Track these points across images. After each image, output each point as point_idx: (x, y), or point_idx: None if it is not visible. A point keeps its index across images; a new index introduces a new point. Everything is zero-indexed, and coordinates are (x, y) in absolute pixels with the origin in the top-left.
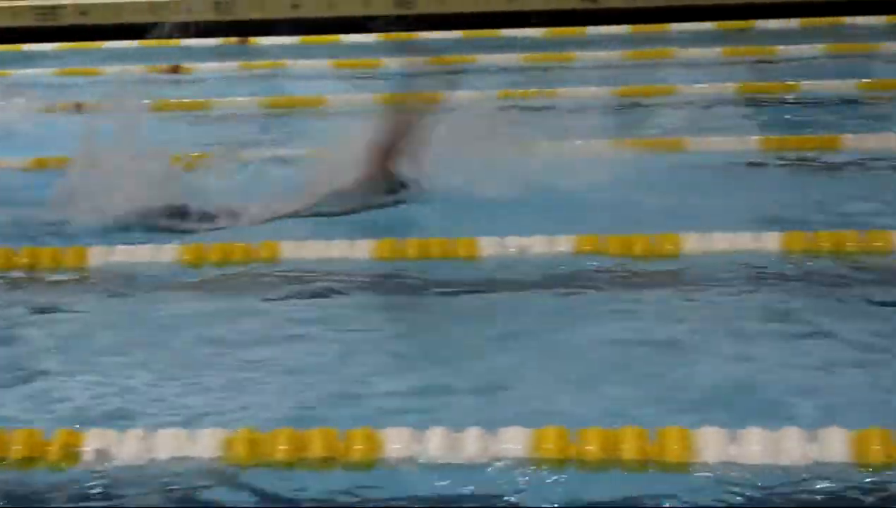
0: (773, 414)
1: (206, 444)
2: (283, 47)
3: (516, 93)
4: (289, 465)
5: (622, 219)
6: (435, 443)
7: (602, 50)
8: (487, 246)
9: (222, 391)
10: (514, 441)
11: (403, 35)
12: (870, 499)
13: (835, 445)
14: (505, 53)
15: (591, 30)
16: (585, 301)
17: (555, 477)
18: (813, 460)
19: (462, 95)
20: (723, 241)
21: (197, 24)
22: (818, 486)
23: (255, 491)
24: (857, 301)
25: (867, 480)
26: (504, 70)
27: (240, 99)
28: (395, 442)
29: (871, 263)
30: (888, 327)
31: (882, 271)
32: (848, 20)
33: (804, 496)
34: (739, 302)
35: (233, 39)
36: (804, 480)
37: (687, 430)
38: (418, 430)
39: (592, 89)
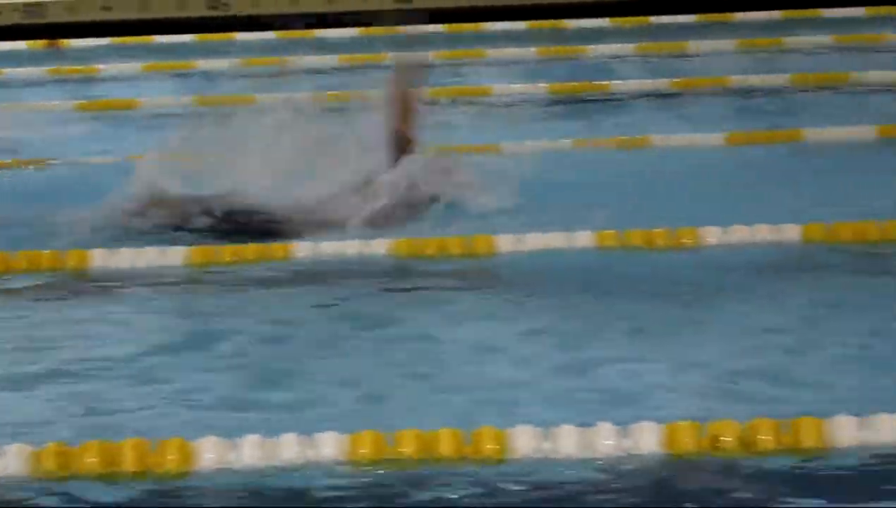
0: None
1: (12, 458)
2: (95, 50)
3: (330, 96)
4: (100, 477)
5: (440, 220)
6: (249, 451)
7: (416, 50)
8: (302, 249)
9: (22, 403)
10: (329, 447)
11: (218, 36)
12: (687, 504)
13: (646, 438)
14: (319, 55)
15: (408, 29)
16: (407, 300)
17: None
18: (627, 452)
19: (276, 97)
20: (537, 241)
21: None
22: (632, 480)
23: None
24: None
25: (677, 473)
26: (318, 71)
27: (53, 102)
28: (209, 452)
29: (676, 260)
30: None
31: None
32: (654, 19)
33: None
34: (553, 302)
35: (41, 43)
36: (617, 474)
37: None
38: (231, 439)
39: None
